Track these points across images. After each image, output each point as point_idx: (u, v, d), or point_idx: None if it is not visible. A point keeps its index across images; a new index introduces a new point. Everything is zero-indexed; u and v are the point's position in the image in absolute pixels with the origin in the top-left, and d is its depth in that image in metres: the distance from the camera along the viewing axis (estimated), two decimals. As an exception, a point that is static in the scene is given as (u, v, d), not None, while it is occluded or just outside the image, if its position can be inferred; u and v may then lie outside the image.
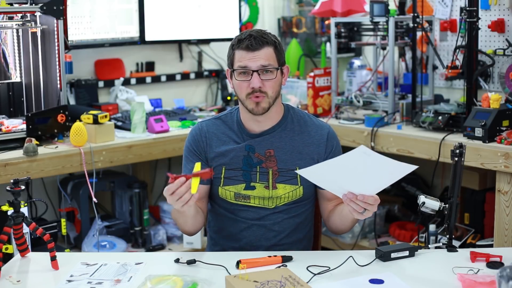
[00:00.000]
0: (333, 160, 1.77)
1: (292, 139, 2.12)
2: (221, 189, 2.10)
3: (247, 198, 2.09)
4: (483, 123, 2.81)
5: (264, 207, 2.09)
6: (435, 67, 3.56)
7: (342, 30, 3.56)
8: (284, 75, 2.10)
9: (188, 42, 4.04)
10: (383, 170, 1.75)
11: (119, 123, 3.39)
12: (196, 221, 2.05)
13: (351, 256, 1.88)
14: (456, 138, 2.92)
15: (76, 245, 3.35)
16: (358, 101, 3.48)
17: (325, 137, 2.13)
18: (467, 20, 3.00)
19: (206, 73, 4.19)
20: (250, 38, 2.01)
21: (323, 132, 2.14)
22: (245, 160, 2.09)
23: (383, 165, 1.73)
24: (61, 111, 3.00)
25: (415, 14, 3.22)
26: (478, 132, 2.83)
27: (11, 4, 3.01)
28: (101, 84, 3.70)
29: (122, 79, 3.74)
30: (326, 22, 4.06)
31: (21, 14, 3.07)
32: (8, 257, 2.07)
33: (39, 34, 3.08)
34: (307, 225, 2.19)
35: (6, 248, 2.21)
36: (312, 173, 1.86)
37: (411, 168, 1.72)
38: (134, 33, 3.74)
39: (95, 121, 3.05)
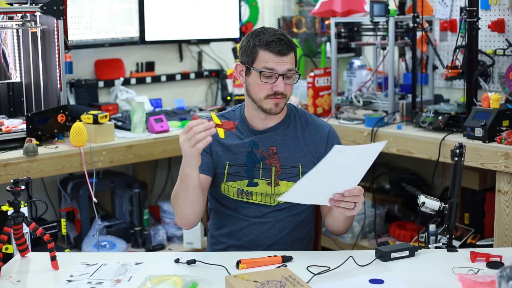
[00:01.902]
0: (313, 171, 1.74)
1: (294, 137, 2.14)
2: (224, 185, 2.11)
3: (250, 194, 2.10)
4: (483, 123, 2.81)
5: (265, 205, 2.10)
6: (435, 67, 3.56)
7: (342, 30, 3.56)
8: None
9: (188, 42, 4.04)
10: (358, 159, 1.79)
11: (119, 123, 3.39)
12: (196, 201, 1.98)
13: (351, 256, 1.88)
14: (456, 138, 2.92)
15: (76, 245, 3.35)
16: (358, 101, 3.48)
17: (325, 136, 2.17)
18: (467, 20, 2.99)
19: (206, 73, 4.19)
20: (281, 43, 2.02)
21: (324, 131, 2.18)
22: (248, 156, 2.10)
23: (357, 155, 1.77)
24: (61, 111, 3.00)
25: (415, 14, 3.22)
26: (478, 132, 2.83)
27: (11, 4, 3.01)
28: (101, 84, 3.70)
29: (122, 79, 3.74)
30: (326, 22, 4.06)
31: (21, 14, 3.07)
32: (8, 257, 2.06)
33: (39, 34, 3.08)
34: (307, 225, 2.19)
35: (6, 248, 2.21)
36: (295, 195, 1.88)
37: (381, 145, 1.76)
38: (134, 33, 3.74)
39: (95, 121, 3.05)
